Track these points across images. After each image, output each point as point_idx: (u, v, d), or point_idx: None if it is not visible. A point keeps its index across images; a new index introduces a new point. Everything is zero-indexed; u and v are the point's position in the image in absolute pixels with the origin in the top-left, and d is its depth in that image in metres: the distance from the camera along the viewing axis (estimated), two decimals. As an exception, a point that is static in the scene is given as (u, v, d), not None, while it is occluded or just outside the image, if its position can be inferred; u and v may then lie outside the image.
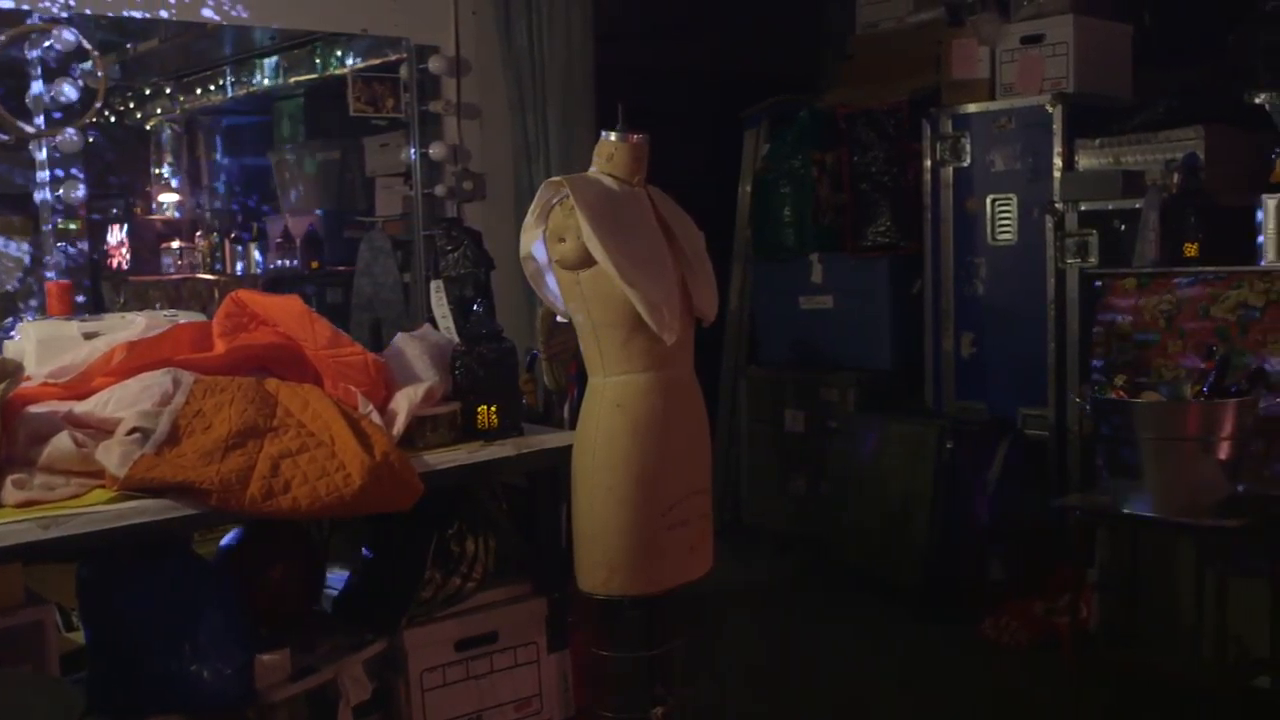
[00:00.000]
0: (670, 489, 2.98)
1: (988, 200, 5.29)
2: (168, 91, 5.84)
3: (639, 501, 2.92)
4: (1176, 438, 3.43)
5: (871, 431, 5.34)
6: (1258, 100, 5.55)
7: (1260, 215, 4.06)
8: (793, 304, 6.06)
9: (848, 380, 5.72)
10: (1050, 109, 5.04)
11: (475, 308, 3.19)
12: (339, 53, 5.11)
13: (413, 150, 4.88)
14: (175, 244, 5.60)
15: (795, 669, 4.56)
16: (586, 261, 2.86)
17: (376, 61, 4.95)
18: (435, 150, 4.85)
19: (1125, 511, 3.59)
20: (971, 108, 5.36)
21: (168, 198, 5.84)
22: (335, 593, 2.99)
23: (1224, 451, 3.43)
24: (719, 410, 6.42)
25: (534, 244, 2.97)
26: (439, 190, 4.89)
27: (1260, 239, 4.06)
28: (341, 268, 5.34)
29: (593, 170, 3.03)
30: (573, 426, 3.11)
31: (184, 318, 2.99)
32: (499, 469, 2.97)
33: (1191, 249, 4.25)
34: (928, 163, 5.50)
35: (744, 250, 6.48)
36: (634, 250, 2.87)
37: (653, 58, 6.38)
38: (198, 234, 5.69)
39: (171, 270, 5.55)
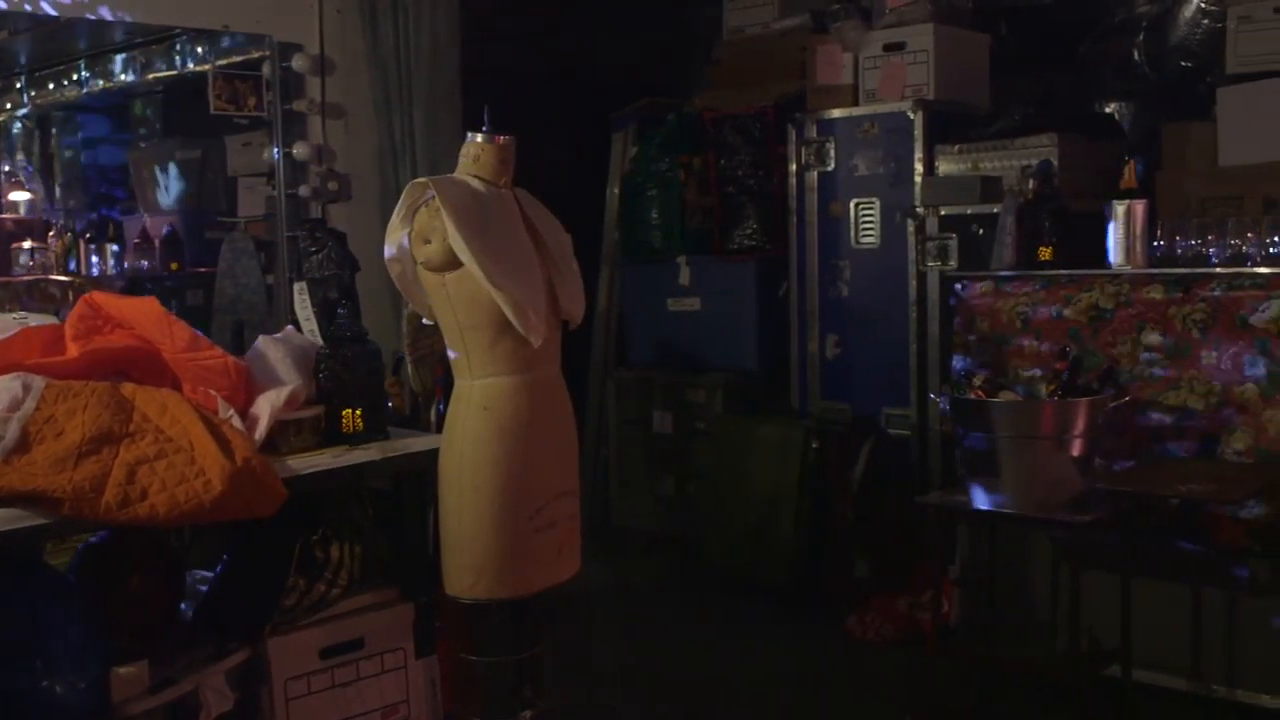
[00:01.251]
0: (538, 491, 2.97)
1: (851, 204, 5.38)
2: (18, 86, 5.65)
3: (506, 504, 2.92)
4: (1032, 436, 3.53)
5: (738, 432, 5.39)
6: (1108, 109, 5.75)
7: (1110, 220, 4.19)
8: (660, 306, 6.09)
9: (715, 381, 5.76)
10: (912, 115, 5.15)
11: (340, 310, 3.15)
12: (199, 49, 4.99)
13: (276, 150, 4.80)
14: (27, 244, 5.40)
15: (664, 669, 4.59)
16: (452, 264, 2.84)
17: (239, 59, 4.85)
18: (299, 150, 4.77)
19: (984, 508, 3.68)
20: (836, 113, 5.44)
21: (18, 196, 5.64)
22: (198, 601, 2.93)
23: (1077, 449, 3.53)
24: (587, 412, 6.42)
25: (398, 245, 2.94)
26: (303, 191, 4.81)
27: (1110, 243, 4.20)
28: (202, 269, 5.22)
29: (459, 172, 3.01)
30: (439, 430, 3.09)
31: (34, 320, 2.90)
32: (364, 473, 2.94)
33: (1046, 253, 4.38)
34: (793, 167, 5.57)
35: (612, 252, 6.50)
36: (500, 252, 2.86)
37: (520, 59, 6.35)
38: (50, 234, 5.50)
39: (22, 271, 5.36)
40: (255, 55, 4.78)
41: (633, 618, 5.17)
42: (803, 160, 5.53)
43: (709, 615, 5.17)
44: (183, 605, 2.90)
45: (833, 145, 5.43)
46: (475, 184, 2.95)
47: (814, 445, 5.11)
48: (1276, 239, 4.00)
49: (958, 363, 4.39)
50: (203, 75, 4.83)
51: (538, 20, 6.55)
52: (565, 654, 3.89)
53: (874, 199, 5.31)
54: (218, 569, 3.02)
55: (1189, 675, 3.99)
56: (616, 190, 6.45)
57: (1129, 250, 4.15)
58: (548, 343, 2.97)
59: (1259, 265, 3.95)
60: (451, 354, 2.99)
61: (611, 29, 6.74)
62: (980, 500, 3.67)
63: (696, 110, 6.08)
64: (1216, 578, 3.93)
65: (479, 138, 2.98)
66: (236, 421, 2.70)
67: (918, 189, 5.10)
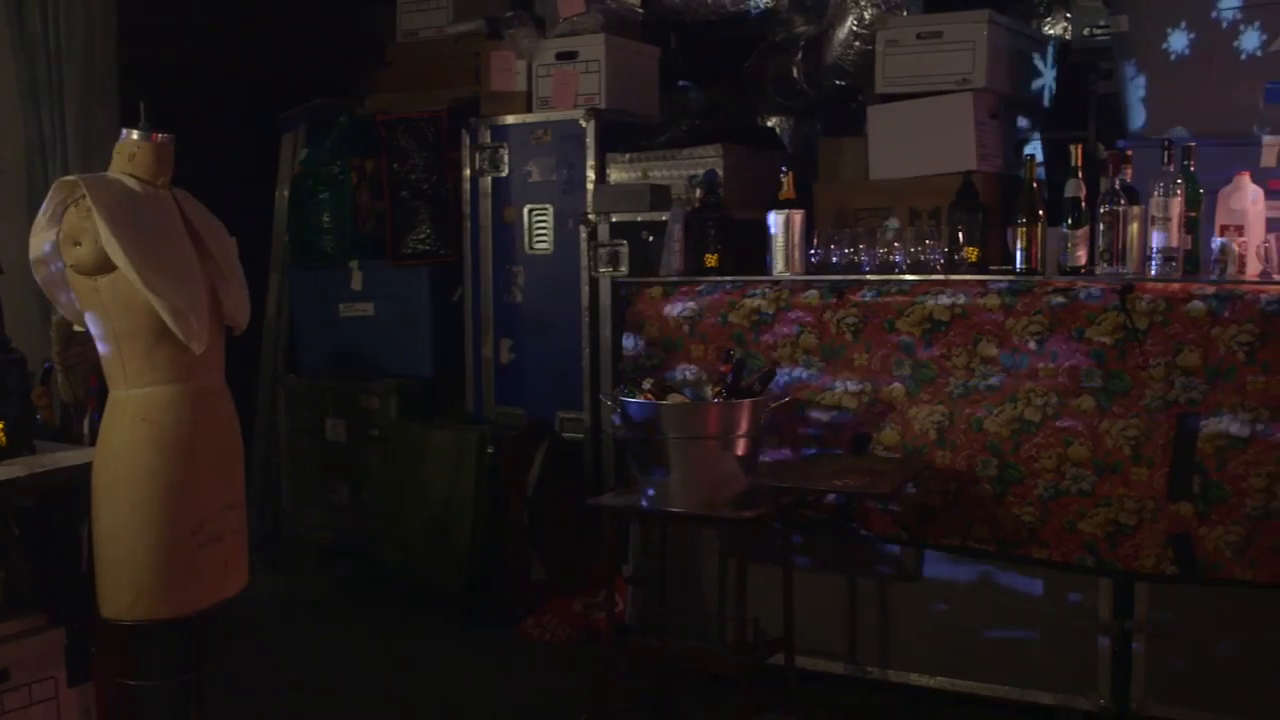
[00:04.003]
0: (201, 505, 2.86)
1: (525, 210, 5.42)
2: None
3: (167, 519, 2.79)
4: (698, 437, 3.64)
5: (413, 439, 5.34)
6: (770, 123, 6.02)
7: (771, 229, 4.38)
8: (333, 312, 5.97)
9: (389, 388, 5.70)
10: (584, 123, 5.23)
11: (-21, 316, 2.93)
12: None
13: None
14: None
15: (340, 682, 4.49)
16: (105, 267, 2.70)
17: None
18: (-69, 142, 4.43)
19: (654, 508, 3.77)
20: (510, 119, 5.47)
21: None
22: None
23: (741, 448, 3.67)
24: (256, 421, 6.23)
25: (46, 247, 2.77)
26: (-64, 186, 4.46)
27: (770, 251, 4.39)
28: None
29: (113, 170, 2.86)
30: (93, 442, 2.92)
31: None
32: (8, 491, 2.75)
33: (712, 259, 4.53)
34: (467, 172, 5.57)
35: (281, 257, 6.32)
36: (158, 255, 2.74)
37: (184, 55, 6.10)
38: None
39: None
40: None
41: (308, 631, 5.04)
42: (477, 166, 5.54)
43: (386, 625, 5.10)
44: None
45: (506, 151, 5.46)
46: (130, 183, 2.82)
47: (489, 450, 5.12)
48: (921, 248, 4.28)
49: (628, 366, 4.48)
50: None
51: (202, 15, 6.30)
52: (236, 673, 3.76)
53: (547, 205, 5.37)
54: None
55: (846, 659, 4.23)
56: (286, 193, 6.28)
57: (788, 258, 4.35)
58: (210, 350, 2.86)
59: (905, 273, 4.21)
60: (105, 362, 2.83)
61: (281, 27, 6.56)
62: (651, 500, 3.76)
63: (369, 112, 5.99)
64: (870, 566, 4.18)
65: (135, 135, 2.85)
66: None
67: (590, 196, 5.19)
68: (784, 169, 4.48)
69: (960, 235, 4.22)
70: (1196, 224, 3.93)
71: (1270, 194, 3.96)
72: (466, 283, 5.62)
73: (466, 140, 5.56)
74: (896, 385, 4.05)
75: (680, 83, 6.01)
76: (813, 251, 4.42)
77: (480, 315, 5.58)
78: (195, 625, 2.97)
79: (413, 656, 4.75)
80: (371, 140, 5.89)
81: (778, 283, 4.27)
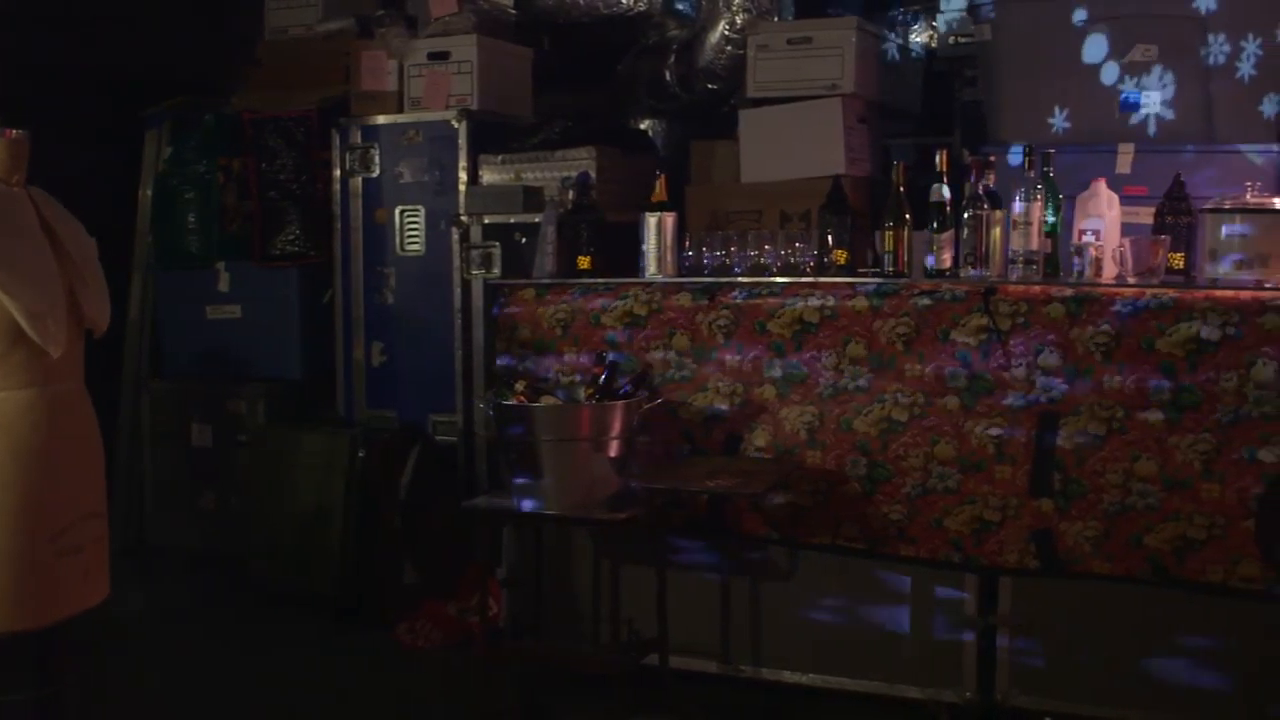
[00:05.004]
0: (59, 513, 2.78)
1: (397, 211, 5.37)
2: None
3: (23, 528, 2.71)
4: (572, 439, 3.65)
5: (282, 443, 5.26)
6: (643, 126, 6.04)
7: (644, 231, 4.40)
8: (199, 314, 5.85)
9: (257, 392, 5.60)
10: (456, 124, 5.20)
11: None
12: None
13: None
14: None
15: (210, 692, 4.39)
16: (-44, 267, 2.60)
17: None
18: None
19: (528, 510, 3.77)
20: (381, 119, 5.42)
21: None
22: None
23: (614, 450, 3.68)
24: (118, 426, 6.06)
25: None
26: None
27: (643, 253, 4.41)
28: None
29: (-37, 167, 2.77)
30: (-57, 450, 2.81)
31: None
32: None
33: (585, 262, 4.54)
34: (337, 172, 5.50)
35: (145, 257, 6.16)
36: (12, 256, 2.65)
37: (40, 49, 5.90)
38: None
39: None
40: None
41: (174, 641, 4.92)
42: (347, 166, 5.47)
43: (256, 633, 5.00)
44: None
45: (377, 152, 5.40)
46: (-18, 181, 2.72)
47: (360, 454, 5.06)
48: (791, 251, 4.34)
49: (501, 368, 4.46)
50: None
51: (60, 7, 6.11)
52: (98, 686, 3.66)
53: (419, 206, 5.32)
54: None
55: (720, 658, 4.26)
56: (149, 192, 6.12)
57: (660, 260, 4.38)
58: (68, 354, 2.78)
59: (776, 275, 4.26)
60: (-44, 366, 2.74)
61: (144, 22, 6.39)
62: (524, 503, 3.75)
63: (236, 111, 5.88)
64: (741, 565, 4.22)
65: (-14, 131, 2.76)
66: None
67: (462, 197, 5.16)
68: (657, 171, 4.50)
69: (829, 238, 4.29)
70: (1056, 228, 4.06)
71: (1125, 200, 4.10)
72: (337, 284, 5.55)
73: (336, 140, 5.49)
74: (768, 386, 4.09)
75: (553, 84, 6.00)
76: (685, 254, 4.45)
77: (351, 317, 5.51)
78: (55, 637, 2.88)
79: (284, 665, 4.67)
80: (239, 139, 5.78)
81: (650, 285, 4.29)
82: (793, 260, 4.33)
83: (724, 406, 4.15)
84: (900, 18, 5.78)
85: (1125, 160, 4.31)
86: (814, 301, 4.03)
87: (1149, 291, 3.68)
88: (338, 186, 5.51)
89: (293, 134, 5.65)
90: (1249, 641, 3.67)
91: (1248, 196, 3.84)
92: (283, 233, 5.69)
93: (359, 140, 5.44)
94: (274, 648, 4.84)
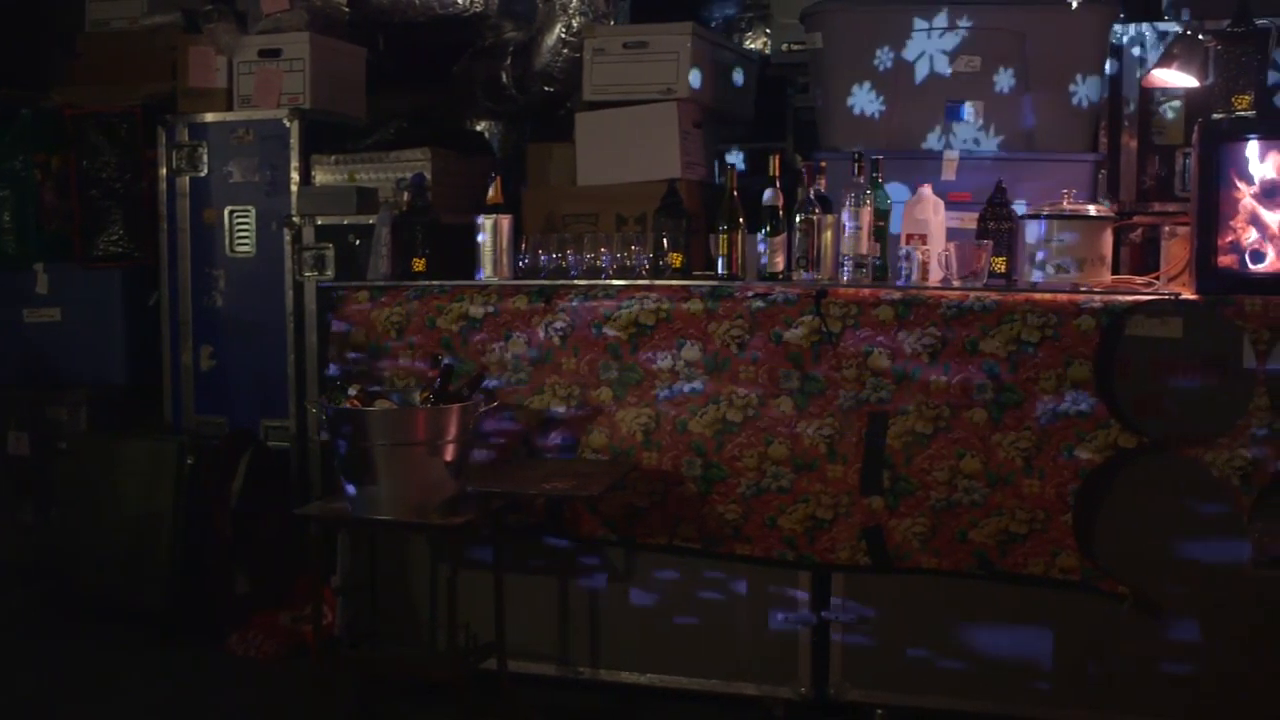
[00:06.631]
0: None
1: (226, 211, 5.25)
2: None
3: None
4: (407, 443, 3.60)
5: (106, 451, 5.09)
6: (479, 127, 6.02)
7: (479, 233, 4.38)
8: (15, 317, 5.62)
9: (79, 398, 5.41)
10: (288, 123, 5.10)
11: None
12: None
13: None
14: None
15: (35, 711, 4.22)
16: None
17: None
18: None
19: (363, 516, 3.71)
20: (209, 117, 5.30)
21: None
22: None
23: (450, 453, 3.65)
24: (-72, 436, 5.79)
25: None
26: None
27: (479, 255, 4.38)
28: None
29: None
30: None
31: None
32: None
33: (420, 264, 4.50)
34: (163, 171, 5.36)
35: (-45, 258, 5.90)
36: None
37: None
38: None
39: None
40: None
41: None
42: (174, 165, 5.33)
43: (82, 649, 4.81)
44: None
45: (206, 150, 5.28)
46: None
47: (189, 461, 4.92)
48: (627, 254, 4.36)
49: (334, 372, 4.39)
50: None
51: None
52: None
53: (250, 207, 5.21)
54: None
55: (558, 661, 4.25)
56: (-41, 190, 5.86)
57: (496, 262, 4.37)
58: None
59: (612, 278, 4.28)
60: None
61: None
62: (359, 508, 3.70)
63: (56, 106, 5.68)
64: (580, 567, 4.22)
65: None
66: None
67: (294, 198, 5.07)
68: (492, 173, 4.48)
69: (665, 241, 4.33)
70: (884, 233, 4.16)
71: (950, 205, 4.22)
72: (163, 286, 5.40)
73: (163, 138, 5.34)
74: (604, 389, 4.10)
75: (388, 84, 5.93)
76: (521, 256, 4.44)
77: (179, 320, 5.36)
78: None
79: (112, 681, 4.50)
80: (58, 135, 5.58)
81: (486, 288, 4.27)
82: (628, 263, 4.36)
83: (561, 409, 4.15)
84: (736, 24, 5.87)
85: (950, 167, 4.44)
86: (649, 304, 4.05)
87: (973, 294, 3.80)
88: (164, 185, 5.36)
89: (116, 130, 5.49)
90: (1069, 630, 3.81)
91: (1065, 204, 4.00)
92: (106, 233, 5.51)
93: (186, 138, 5.31)
94: (101, 663, 4.67)
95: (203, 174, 5.29)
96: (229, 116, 5.26)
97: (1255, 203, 3.66)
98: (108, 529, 5.01)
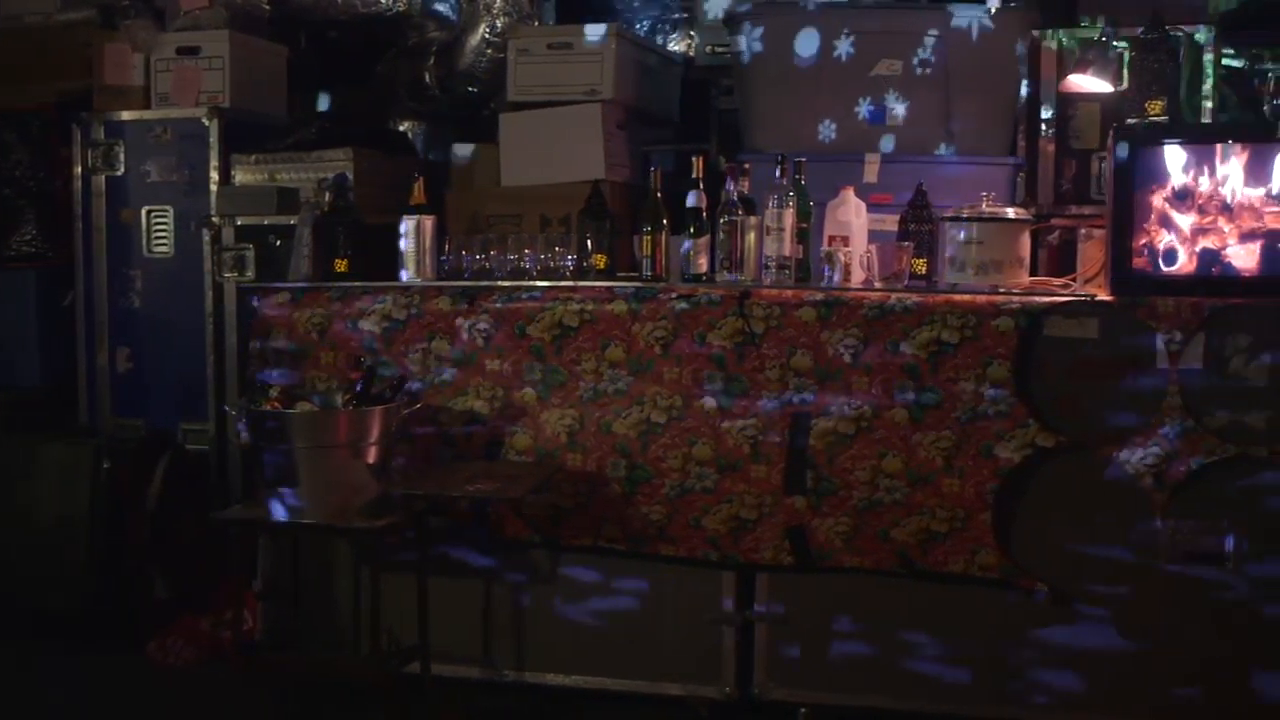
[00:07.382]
0: None
1: (143, 211, 5.16)
2: None
3: None
4: (328, 445, 3.58)
5: (17, 454, 4.99)
6: (402, 127, 5.98)
7: (402, 234, 4.36)
8: (-76, 318, 5.50)
9: (-10, 400, 5.30)
10: (207, 122, 5.03)
11: None
12: None
13: None
14: None
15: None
16: None
17: None
18: None
19: (284, 520, 3.68)
20: (126, 115, 5.20)
21: None
22: None
23: (372, 456, 3.63)
24: None
25: None
26: None
27: (401, 256, 4.36)
28: None
29: None
30: None
31: None
32: None
33: (342, 265, 4.46)
34: (78, 170, 5.25)
35: None
36: None
37: None
38: None
39: None
40: None
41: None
42: (89, 164, 5.23)
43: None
44: None
45: (122, 149, 5.18)
46: None
47: (105, 465, 4.84)
48: (552, 255, 4.36)
49: (256, 375, 4.34)
50: None
51: None
52: None
53: (168, 207, 5.13)
54: None
55: (482, 663, 4.24)
56: None
57: (419, 263, 4.35)
58: None
59: (536, 279, 4.28)
60: None
61: None
62: (280, 512, 3.67)
63: (-37, 103, 5.56)
64: (504, 569, 4.21)
65: None
66: None
67: (213, 198, 5.00)
68: (416, 174, 4.46)
69: (589, 243, 4.33)
70: (807, 235, 4.20)
71: (872, 208, 4.26)
72: (79, 287, 5.29)
73: (77, 136, 5.24)
74: (528, 390, 4.10)
75: (310, 84, 5.88)
76: (444, 258, 4.43)
77: (94, 321, 5.26)
78: None
79: (25, 691, 4.42)
80: (-34, 134, 5.47)
81: (409, 289, 4.25)
82: (553, 264, 4.35)
83: (485, 410, 4.13)
84: (660, 26, 5.88)
85: (872, 170, 4.48)
86: (574, 305, 4.05)
87: (894, 296, 3.85)
88: (79, 185, 5.26)
89: (28, 128, 5.38)
90: (988, 626, 3.86)
91: (984, 206, 4.05)
92: (18, 233, 5.40)
93: (102, 137, 5.21)
94: (13, 672, 4.58)
95: (119, 173, 5.20)
96: (147, 115, 5.17)
97: (1167, 206, 3.74)
98: (20, 535, 4.91)
